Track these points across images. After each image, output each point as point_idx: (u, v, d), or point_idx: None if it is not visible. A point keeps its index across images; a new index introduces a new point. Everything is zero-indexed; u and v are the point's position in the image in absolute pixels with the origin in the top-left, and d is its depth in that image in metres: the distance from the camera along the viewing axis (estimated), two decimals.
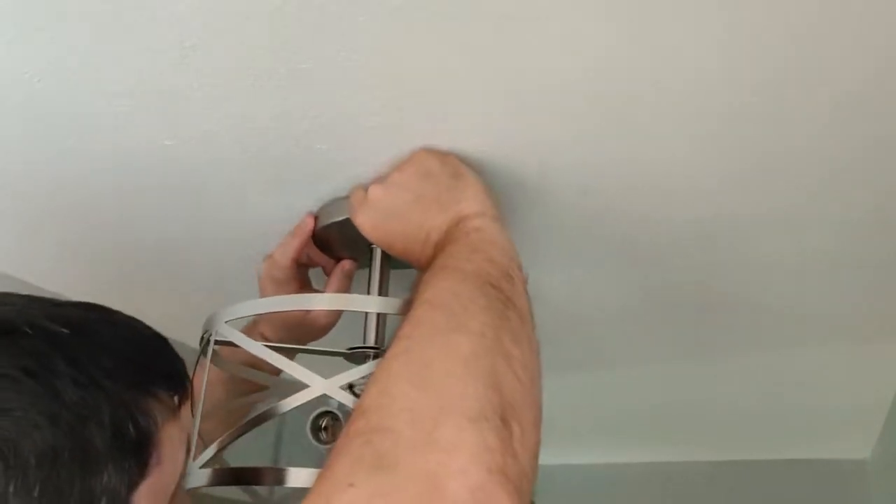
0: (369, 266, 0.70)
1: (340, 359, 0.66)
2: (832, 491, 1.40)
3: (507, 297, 0.48)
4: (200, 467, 0.54)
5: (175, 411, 0.48)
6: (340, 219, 0.67)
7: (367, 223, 0.62)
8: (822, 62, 0.50)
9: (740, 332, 0.99)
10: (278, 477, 0.53)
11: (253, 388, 0.76)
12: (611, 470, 1.56)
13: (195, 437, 0.56)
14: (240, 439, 0.56)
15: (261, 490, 0.71)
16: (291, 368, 0.54)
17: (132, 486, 0.43)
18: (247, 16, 0.48)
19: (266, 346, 0.57)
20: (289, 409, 0.54)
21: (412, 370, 0.42)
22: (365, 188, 0.63)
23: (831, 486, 1.41)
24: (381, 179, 0.62)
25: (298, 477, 0.52)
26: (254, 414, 0.55)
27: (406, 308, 0.51)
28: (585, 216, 0.71)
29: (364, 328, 0.66)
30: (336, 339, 0.68)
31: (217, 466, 0.55)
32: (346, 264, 0.73)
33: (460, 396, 0.40)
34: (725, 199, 0.68)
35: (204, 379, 0.58)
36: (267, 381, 0.74)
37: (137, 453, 0.43)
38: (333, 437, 0.61)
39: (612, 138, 0.60)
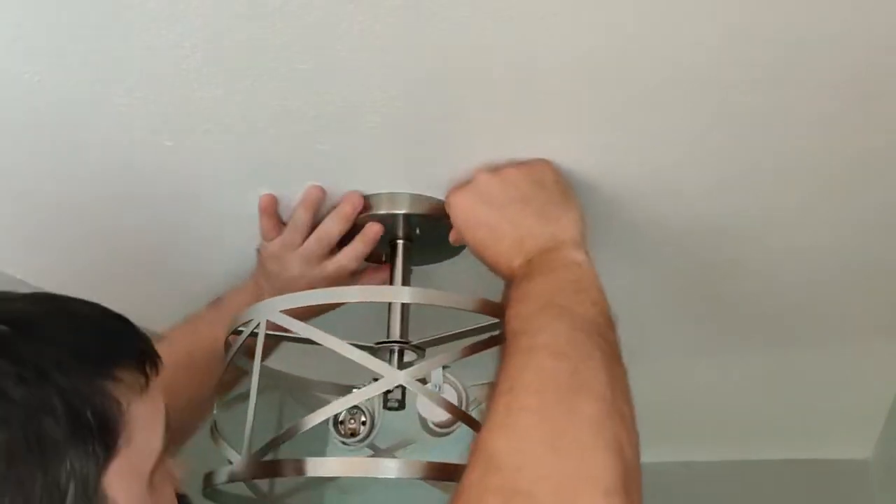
0: (392, 262, 0.71)
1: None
2: (834, 491, 1.40)
3: (613, 350, 0.51)
4: (250, 459, 0.55)
5: (143, 389, 0.47)
6: (382, 213, 0.68)
7: (460, 203, 0.62)
8: (827, 60, 0.50)
9: (740, 333, 0.99)
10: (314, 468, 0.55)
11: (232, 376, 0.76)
12: None
13: (249, 428, 0.56)
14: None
15: (261, 485, 0.71)
16: (363, 359, 0.55)
17: (101, 468, 0.43)
18: (247, 16, 0.47)
19: (310, 331, 0.57)
20: (363, 399, 0.56)
21: (545, 434, 0.44)
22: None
23: (833, 486, 1.40)
24: (490, 168, 0.62)
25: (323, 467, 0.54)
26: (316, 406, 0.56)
27: (498, 312, 0.56)
28: (594, 216, 0.71)
29: (388, 322, 0.67)
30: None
31: (270, 458, 0.56)
32: (379, 273, 0.75)
33: (594, 467, 0.42)
34: (728, 200, 0.68)
35: (257, 364, 0.58)
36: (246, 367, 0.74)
37: (101, 436, 0.44)
38: (352, 432, 0.62)
39: (621, 138, 0.60)
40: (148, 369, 0.48)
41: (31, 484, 0.41)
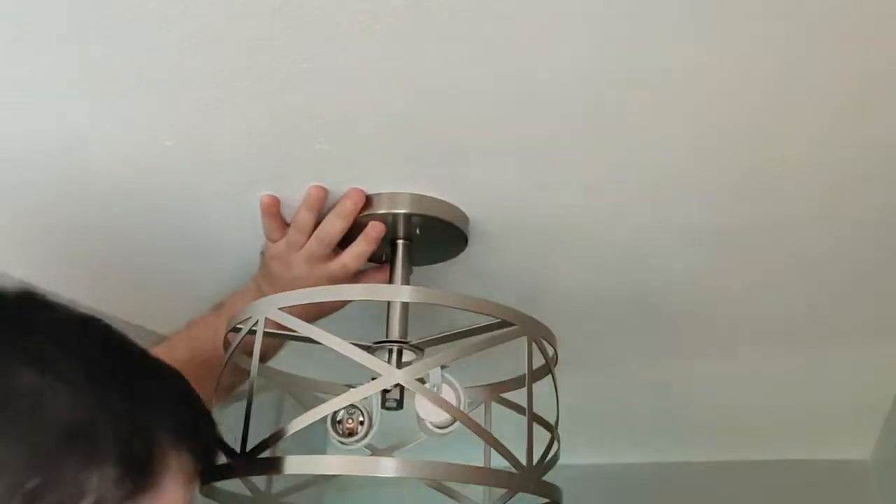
0: (392, 261, 0.71)
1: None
2: (834, 491, 1.40)
3: None
4: (245, 456, 0.55)
5: (189, 481, 0.46)
6: (383, 212, 0.68)
7: None
8: (826, 65, 0.50)
9: (741, 332, 0.99)
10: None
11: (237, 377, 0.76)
12: (611, 470, 1.56)
13: (245, 425, 0.56)
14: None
15: (259, 483, 0.71)
16: (361, 357, 0.55)
17: (120, 501, 0.41)
18: (247, 16, 0.48)
19: (309, 329, 0.57)
20: (360, 397, 0.55)
21: None
22: None
23: (833, 487, 1.40)
24: None
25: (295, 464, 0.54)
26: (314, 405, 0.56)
27: (497, 312, 0.56)
28: (591, 219, 0.71)
29: (387, 321, 0.67)
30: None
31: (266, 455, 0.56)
32: (380, 273, 0.75)
33: None
34: (728, 202, 0.68)
35: (255, 361, 0.58)
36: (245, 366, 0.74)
37: (137, 474, 0.42)
38: (350, 431, 0.62)
39: (620, 138, 0.60)
40: (201, 465, 0.48)
41: (59, 473, 0.39)
